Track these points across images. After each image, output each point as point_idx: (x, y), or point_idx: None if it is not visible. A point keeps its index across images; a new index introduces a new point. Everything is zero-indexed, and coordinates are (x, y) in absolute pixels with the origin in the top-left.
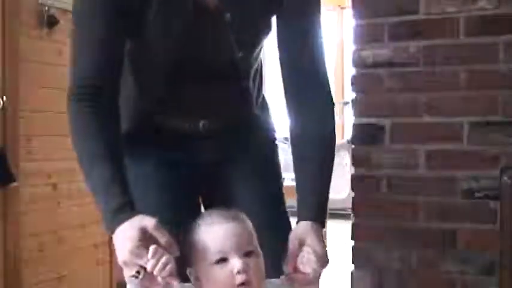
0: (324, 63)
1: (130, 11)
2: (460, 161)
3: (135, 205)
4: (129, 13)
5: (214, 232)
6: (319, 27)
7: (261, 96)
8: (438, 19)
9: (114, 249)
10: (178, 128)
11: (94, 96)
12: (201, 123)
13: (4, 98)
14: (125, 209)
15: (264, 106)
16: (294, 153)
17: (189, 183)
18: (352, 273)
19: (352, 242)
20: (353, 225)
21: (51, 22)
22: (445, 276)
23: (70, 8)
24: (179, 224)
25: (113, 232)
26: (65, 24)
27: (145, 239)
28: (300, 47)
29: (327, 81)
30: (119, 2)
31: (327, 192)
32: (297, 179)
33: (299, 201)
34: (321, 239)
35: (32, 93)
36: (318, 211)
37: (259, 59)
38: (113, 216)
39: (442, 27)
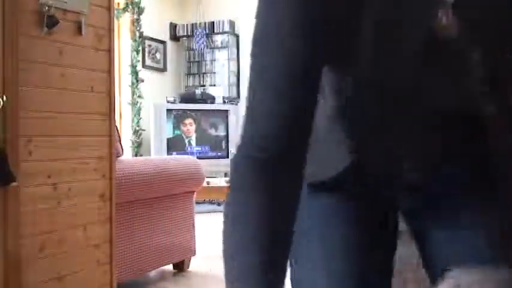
0: None
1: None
2: None
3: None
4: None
5: None
6: None
7: None
8: None
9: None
10: (375, 169)
11: (271, 163)
12: (404, 165)
13: (4, 98)
14: None
15: None
16: None
17: (382, 246)
18: None
19: None
20: None
21: (51, 22)
22: None
23: (70, 8)
24: None
25: None
26: (65, 24)
27: None
28: None
29: None
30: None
31: None
32: None
33: None
34: None
35: (32, 93)
36: None
37: None
38: None
39: None
